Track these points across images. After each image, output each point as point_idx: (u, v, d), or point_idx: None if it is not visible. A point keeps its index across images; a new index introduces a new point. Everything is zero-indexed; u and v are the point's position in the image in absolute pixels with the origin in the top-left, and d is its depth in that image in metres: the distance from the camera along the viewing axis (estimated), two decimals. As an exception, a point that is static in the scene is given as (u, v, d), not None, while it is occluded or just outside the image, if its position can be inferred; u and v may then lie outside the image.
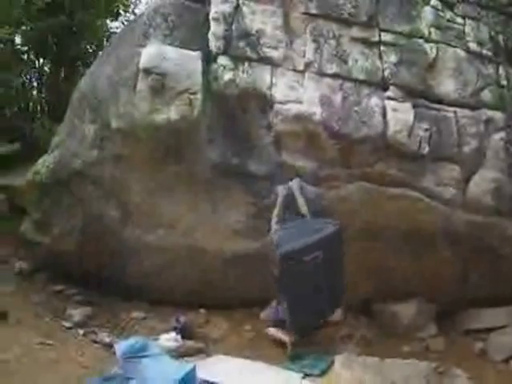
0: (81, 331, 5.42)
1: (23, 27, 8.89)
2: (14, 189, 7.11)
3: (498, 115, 5.82)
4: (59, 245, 6.05)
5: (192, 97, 5.22)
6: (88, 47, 9.62)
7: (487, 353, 5.62)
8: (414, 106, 5.54)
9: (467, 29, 6.08)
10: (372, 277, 5.74)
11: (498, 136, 5.77)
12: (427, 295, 5.92)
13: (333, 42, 5.56)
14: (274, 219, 5.04)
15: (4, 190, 7.37)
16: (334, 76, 5.47)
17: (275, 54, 5.46)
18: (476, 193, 5.63)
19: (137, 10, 10.47)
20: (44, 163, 6.03)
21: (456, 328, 6.01)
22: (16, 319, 5.22)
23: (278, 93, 5.34)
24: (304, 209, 4.94)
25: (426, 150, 5.44)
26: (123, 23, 10.06)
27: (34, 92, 9.41)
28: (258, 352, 5.25)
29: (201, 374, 4.33)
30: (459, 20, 6.09)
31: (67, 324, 5.51)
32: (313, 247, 4.69)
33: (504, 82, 6.03)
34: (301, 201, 4.96)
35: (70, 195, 5.90)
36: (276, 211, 5.04)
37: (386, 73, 5.60)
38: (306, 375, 4.75)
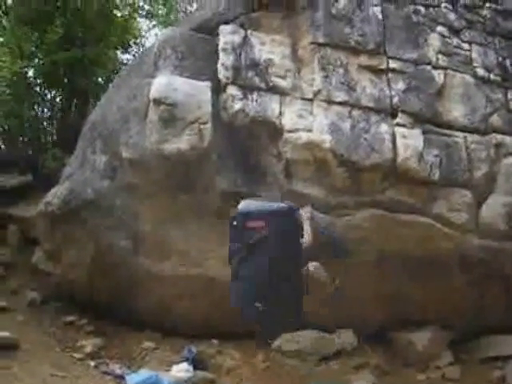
0: (92, 362, 5.38)
1: (36, 60, 9.06)
2: (25, 220, 7.13)
3: (507, 140, 5.83)
4: (70, 275, 6.04)
5: (202, 127, 5.26)
6: (99, 79, 9.75)
7: (505, 381, 5.51)
8: (424, 133, 5.56)
9: (474, 54, 6.14)
10: (386, 304, 5.68)
11: (509, 160, 5.77)
12: (442, 322, 5.86)
13: (341, 70, 5.60)
14: None
15: (16, 221, 7.40)
16: (343, 104, 5.50)
17: (284, 83, 5.51)
18: (488, 217, 5.60)
19: (147, 43, 10.66)
20: (55, 194, 6.06)
21: (472, 356, 5.91)
22: (27, 350, 5.18)
23: (288, 121, 5.36)
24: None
25: (436, 175, 5.43)
26: (134, 55, 10.22)
27: (46, 123, 9.51)
28: (271, 383, 5.18)
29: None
30: (466, 46, 6.15)
31: (78, 355, 5.47)
32: (257, 215, 4.01)
33: (513, 107, 6.05)
34: (307, 229, 4.92)
35: (81, 225, 5.90)
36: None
37: (395, 100, 5.63)
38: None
